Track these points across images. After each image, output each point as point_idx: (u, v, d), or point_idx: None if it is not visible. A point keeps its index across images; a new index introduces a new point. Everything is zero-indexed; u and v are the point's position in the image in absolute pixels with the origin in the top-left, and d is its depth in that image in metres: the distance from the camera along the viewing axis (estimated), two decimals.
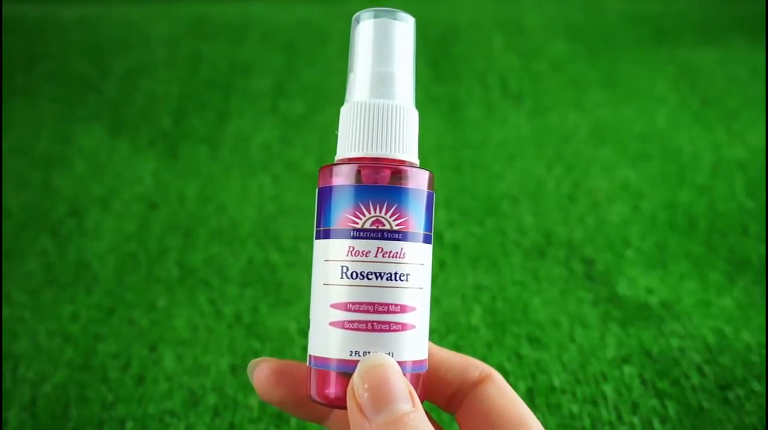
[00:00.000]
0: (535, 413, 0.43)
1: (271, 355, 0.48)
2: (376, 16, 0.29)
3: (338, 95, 0.86)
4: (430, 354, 0.30)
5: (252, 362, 0.30)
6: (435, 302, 0.53)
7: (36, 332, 0.50)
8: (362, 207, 0.27)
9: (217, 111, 0.75)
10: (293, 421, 0.44)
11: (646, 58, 0.83)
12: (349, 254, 0.27)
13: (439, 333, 0.50)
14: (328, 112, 0.73)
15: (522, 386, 0.46)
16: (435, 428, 0.29)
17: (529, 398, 0.45)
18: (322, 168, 0.28)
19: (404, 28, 0.29)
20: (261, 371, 0.29)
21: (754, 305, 0.53)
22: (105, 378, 0.47)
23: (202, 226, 0.61)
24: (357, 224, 0.27)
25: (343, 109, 0.29)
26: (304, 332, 0.50)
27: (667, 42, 0.86)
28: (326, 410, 0.31)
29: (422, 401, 0.27)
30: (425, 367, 0.28)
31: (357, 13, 0.29)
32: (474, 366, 0.29)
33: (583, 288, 0.54)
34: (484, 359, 0.48)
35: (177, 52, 0.83)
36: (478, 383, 0.29)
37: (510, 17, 0.91)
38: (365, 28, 0.29)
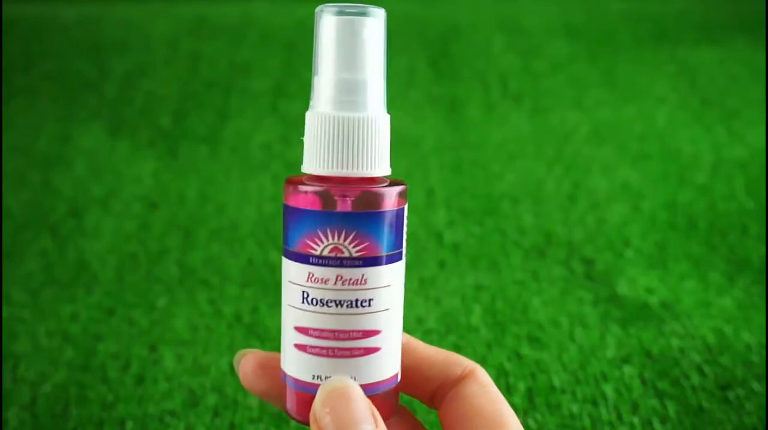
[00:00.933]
0: (534, 413, 0.44)
1: None
2: (339, 13, 0.26)
3: None
4: (414, 350, 0.30)
5: (238, 353, 0.30)
6: (435, 302, 0.53)
7: (36, 332, 0.50)
8: (320, 234, 0.26)
9: (217, 111, 0.75)
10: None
11: (646, 58, 0.83)
12: (309, 280, 0.26)
13: (439, 333, 0.50)
14: None
15: (522, 386, 0.46)
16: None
17: (529, 398, 0.45)
18: (286, 182, 0.27)
19: (373, 24, 0.26)
20: (246, 363, 0.29)
21: (754, 304, 0.53)
22: (105, 378, 0.47)
23: (202, 226, 0.61)
24: (315, 250, 0.26)
25: (308, 116, 0.27)
26: None
27: (667, 42, 0.86)
28: None
29: (387, 418, 0.27)
30: (395, 381, 0.28)
31: (320, 7, 0.26)
32: (457, 363, 0.29)
33: (583, 288, 0.54)
34: (484, 359, 0.48)
35: (177, 52, 0.83)
36: (460, 380, 0.29)
37: (510, 17, 0.91)
38: (328, 27, 0.26)
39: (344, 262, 0.26)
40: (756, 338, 0.49)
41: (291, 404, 0.27)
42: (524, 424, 0.43)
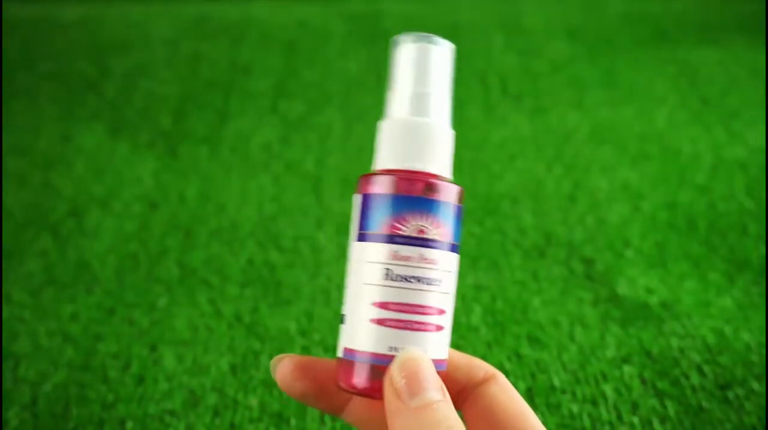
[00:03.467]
0: (534, 413, 0.44)
1: (271, 355, 0.48)
2: (416, 41, 0.31)
3: (338, 96, 0.86)
4: None
5: (275, 358, 0.32)
6: None
7: (36, 332, 0.51)
8: (406, 216, 0.29)
9: (217, 111, 0.75)
10: (293, 421, 0.44)
11: (646, 58, 0.83)
12: (393, 257, 0.29)
13: None
14: (327, 112, 0.74)
15: (522, 385, 0.46)
16: None
17: (529, 398, 0.45)
18: (363, 176, 0.30)
19: (442, 52, 0.31)
20: (284, 366, 0.31)
21: (753, 305, 0.53)
22: (105, 378, 0.47)
23: (202, 226, 0.61)
24: (402, 230, 0.29)
25: (382, 124, 0.31)
26: (303, 332, 0.50)
27: (667, 42, 0.86)
28: (344, 402, 0.33)
29: None
30: (446, 365, 0.30)
31: (396, 36, 0.31)
32: (479, 366, 0.32)
33: (583, 288, 0.54)
34: (484, 359, 0.48)
35: (177, 52, 0.83)
36: (484, 382, 0.31)
37: (510, 17, 0.91)
38: (406, 51, 0.31)
39: (427, 242, 0.29)
40: (755, 337, 0.49)
41: (357, 378, 0.29)
42: None
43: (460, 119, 0.74)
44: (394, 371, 0.27)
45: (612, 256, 0.57)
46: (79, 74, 0.80)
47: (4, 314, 0.52)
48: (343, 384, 0.29)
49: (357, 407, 0.32)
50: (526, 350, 0.49)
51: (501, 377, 0.31)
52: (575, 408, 0.44)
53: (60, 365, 0.48)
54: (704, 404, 0.44)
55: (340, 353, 0.30)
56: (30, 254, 0.58)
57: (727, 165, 0.67)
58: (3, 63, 0.81)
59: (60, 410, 0.44)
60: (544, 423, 0.43)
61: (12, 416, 0.44)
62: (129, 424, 0.43)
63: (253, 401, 0.45)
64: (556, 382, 0.46)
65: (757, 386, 0.46)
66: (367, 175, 0.30)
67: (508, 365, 0.47)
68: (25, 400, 0.45)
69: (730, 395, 0.45)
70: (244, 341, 0.49)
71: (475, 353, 0.48)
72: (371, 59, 0.81)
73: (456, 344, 0.49)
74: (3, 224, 0.61)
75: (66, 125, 0.72)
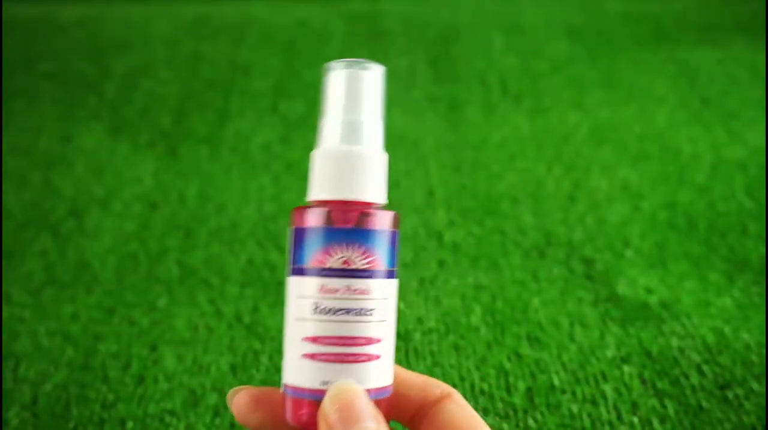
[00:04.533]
0: (534, 413, 0.44)
1: (271, 355, 0.48)
2: (346, 67, 0.31)
3: None
4: (394, 375, 0.32)
5: (231, 391, 0.32)
6: (435, 302, 0.53)
7: (36, 331, 0.51)
8: (331, 248, 0.29)
9: (217, 111, 0.75)
10: None
11: (646, 58, 0.83)
12: (320, 291, 0.29)
13: (439, 333, 0.50)
14: None
15: (522, 385, 0.46)
16: None
17: (529, 398, 0.45)
18: (295, 209, 0.30)
19: (373, 77, 0.31)
20: (240, 398, 0.31)
21: (753, 304, 0.53)
22: (105, 378, 0.47)
23: (202, 226, 0.61)
24: (326, 263, 0.29)
25: (314, 154, 0.31)
26: None
27: (666, 42, 0.86)
28: None
29: (387, 422, 0.29)
30: (390, 391, 0.30)
31: (328, 63, 0.31)
32: (435, 385, 0.32)
33: (583, 288, 0.54)
34: (484, 359, 0.48)
35: (177, 52, 0.84)
36: (440, 400, 0.31)
37: (510, 17, 0.91)
38: (336, 78, 0.31)
39: (353, 272, 0.29)
40: (755, 337, 0.49)
41: (297, 413, 0.29)
42: (524, 423, 0.43)
43: (460, 119, 0.74)
44: (326, 405, 0.27)
45: (612, 256, 0.57)
46: (79, 74, 0.80)
47: (4, 314, 0.52)
48: (288, 419, 0.30)
49: None
50: (526, 350, 0.49)
51: (457, 395, 0.31)
52: (575, 408, 0.44)
53: (60, 365, 0.48)
54: (704, 403, 0.44)
55: (282, 388, 0.30)
56: (30, 254, 0.58)
57: (726, 165, 0.67)
58: (3, 63, 0.81)
59: (60, 410, 0.44)
60: (544, 423, 0.43)
61: (12, 415, 0.44)
62: (129, 424, 0.43)
63: None
64: (556, 382, 0.46)
65: (756, 386, 0.46)
66: (298, 208, 0.30)
67: (508, 365, 0.47)
68: (25, 400, 0.45)
69: (730, 394, 0.45)
70: (244, 341, 0.49)
71: (474, 354, 0.48)
72: (371, 59, 0.81)
73: (456, 344, 0.49)
74: (3, 224, 0.61)
75: (66, 125, 0.72)
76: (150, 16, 0.91)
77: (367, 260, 0.29)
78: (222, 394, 0.45)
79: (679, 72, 0.80)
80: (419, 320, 0.51)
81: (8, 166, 0.67)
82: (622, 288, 0.54)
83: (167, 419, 0.44)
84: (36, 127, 0.72)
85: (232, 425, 0.43)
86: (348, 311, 0.29)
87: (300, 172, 0.66)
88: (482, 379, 0.46)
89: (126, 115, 0.74)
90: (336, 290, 0.29)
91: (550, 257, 0.57)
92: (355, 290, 0.29)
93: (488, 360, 0.48)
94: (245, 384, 0.46)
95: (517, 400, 0.44)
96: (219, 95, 0.77)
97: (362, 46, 0.84)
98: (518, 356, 0.48)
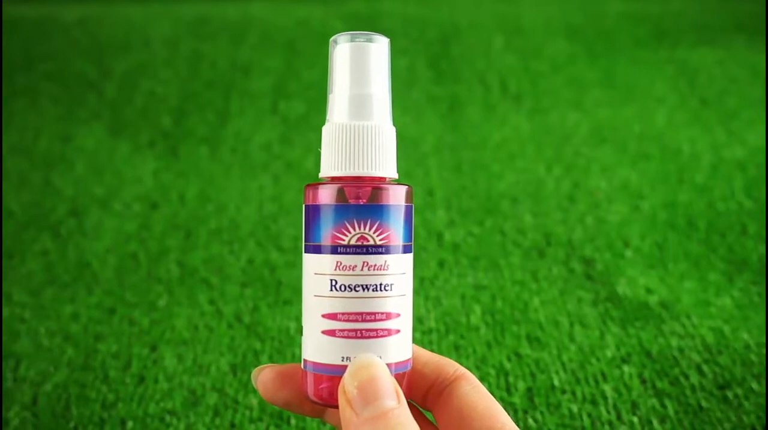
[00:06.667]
0: (534, 413, 0.44)
1: (271, 355, 0.48)
2: (352, 40, 0.31)
3: None
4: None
5: (255, 370, 0.32)
6: (435, 301, 0.53)
7: (37, 331, 0.51)
8: (347, 225, 0.29)
9: (217, 111, 0.75)
10: (293, 421, 0.44)
11: (646, 58, 0.83)
12: (337, 268, 0.29)
13: (439, 333, 0.50)
14: None
15: (522, 385, 0.46)
16: (420, 421, 0.31)
17: (529, 398, 0.45)
18: (307, 186, 0.30)
19: (379, 48, 0.31)
20: (265, 376, 0.31)
21: (753, 304, 0.53)
22: (105, 378, 0.47)
23: (202, 226, 0.61)
24: (343, 240, 0.29)
25: (324, 129, 0.31)
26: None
27: (666, 42, 0.86)
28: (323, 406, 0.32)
29: (407, 397, 0.29)
30: (410, 365, 0.30)
31: (334, 36, 0.31)
32: (449, 364, 0.31)
33: (583, 288, 0.54)
34: (484, 359, 0.48)
35: (177, 52, 0.84)
36: (453, 380, 0.31)
37: (510, 17, 0.91)
38: (342, 51, 0.31)
39: (369, 249, 0.29)
40: (755, 337, 0.50)
41: (317, 388, 0.29)
42: (524, 423, 0.43)
43: (460, 119, 0.74)
44: (346, 381, 0.27)
45: (612, 256, 0.58)
46: (79, 74, 0.80)
47: (5, 314, 0.52)
48: (309, 395, 0.30)
49: (332, 411, 0.32)
50: (525, 349, 0.49)
51: (471, 376, 0.31)
52: (575, 408, 0.44)
53: (60, 365, 0.48)
54: (704, 403, 0.44)
55: (302, 364, 0.30)
56: (30, 254, 0.58)
57: (726, 165, 0.67)
58: (3, 63, 0.81)
59: (60, 410, 0.44)
60: (544, 423, 0.43)
61: (13, 415, 0.44)
62: (129, 423, 0.43)
63: (254, 401, 0.45)
64: (556, 382, 0.46)
65: (756, 386, 0.46)
66: (311, 185, 0.30)
67: (507, 365, 0.47)
68: (25, 399, 0.45)
69: (730, 394, 0.45)
70: (245, 341, 0.49)
71: (474, 353, 0.48)
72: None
73: (456, 344, 0.49)
74: (3, 223, 0.61)
75: (66, 125, 0.72)
76: (150, 16, 0.91)
77: (383, 236, 0.29)
78: (222, 394, 0.45)
79: (679, 72, 0.80)
80: (419, 320, 0.51)
81: (8, 166, 0.67)
82: (622, 288, 0.54)
83: (167, 419, 0.44)
84: (36, 127, 0.72)
85: (233, 425, 0.43)
86: (366, 288, 0.29)
87: (300, 173, 0.66)
88: (482, 379, 0.46)
89: (126, 115, 0.74)
90: (353, 267, 0.29)
91: (549, 256, 0.57)
92: (373, 266, 0.29)
93: (488, 360, 0.48)
94: (245, 384, 0.46)
95: (517, 400, 0.45)
96: (219, 95, 0.77)
97: None
98: (518, 355, 0.48)
